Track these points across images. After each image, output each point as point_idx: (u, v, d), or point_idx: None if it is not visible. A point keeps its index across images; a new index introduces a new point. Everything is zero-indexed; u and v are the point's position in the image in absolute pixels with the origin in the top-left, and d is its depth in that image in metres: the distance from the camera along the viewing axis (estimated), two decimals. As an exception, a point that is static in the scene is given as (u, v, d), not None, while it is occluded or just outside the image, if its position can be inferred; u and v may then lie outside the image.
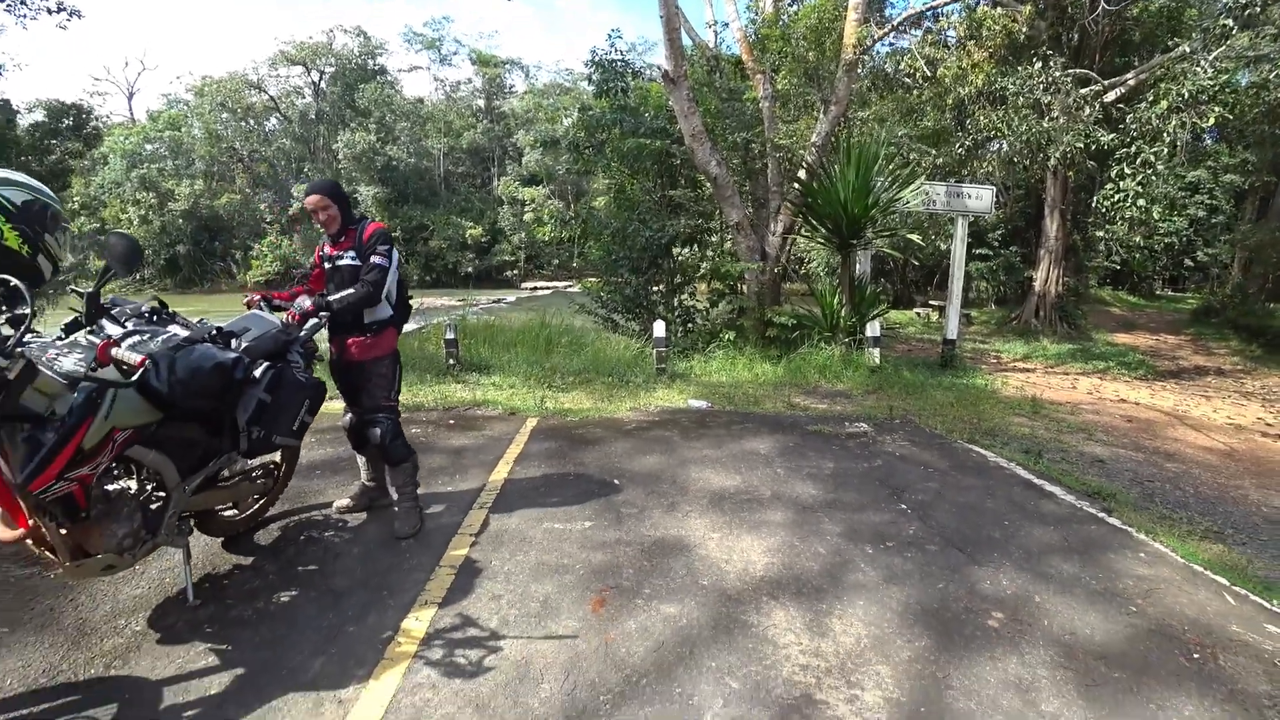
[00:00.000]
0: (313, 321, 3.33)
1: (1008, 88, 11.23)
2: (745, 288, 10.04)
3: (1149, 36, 15.28)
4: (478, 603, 2.85)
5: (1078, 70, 11.85)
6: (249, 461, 3.31)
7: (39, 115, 14.84)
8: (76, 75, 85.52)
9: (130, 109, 52.67)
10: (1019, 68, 11.45)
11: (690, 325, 10.80)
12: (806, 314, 10.13)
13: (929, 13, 12.72)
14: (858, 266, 9.95)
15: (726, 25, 14.39)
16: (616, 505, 3.96)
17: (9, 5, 12.85)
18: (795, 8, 12.16)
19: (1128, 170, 9.56)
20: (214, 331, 2.76)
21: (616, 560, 3.24)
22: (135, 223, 42.28)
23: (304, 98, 47.50)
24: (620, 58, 11.61)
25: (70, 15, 13.34)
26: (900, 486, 4.42)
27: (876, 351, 8.91)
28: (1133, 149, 9.51)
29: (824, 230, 9.24)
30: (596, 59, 11.65)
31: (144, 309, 2.73)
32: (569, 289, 32.34)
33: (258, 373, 2.79)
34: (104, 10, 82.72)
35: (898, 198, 8.68)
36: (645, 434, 5.57)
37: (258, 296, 3.43)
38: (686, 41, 10.47)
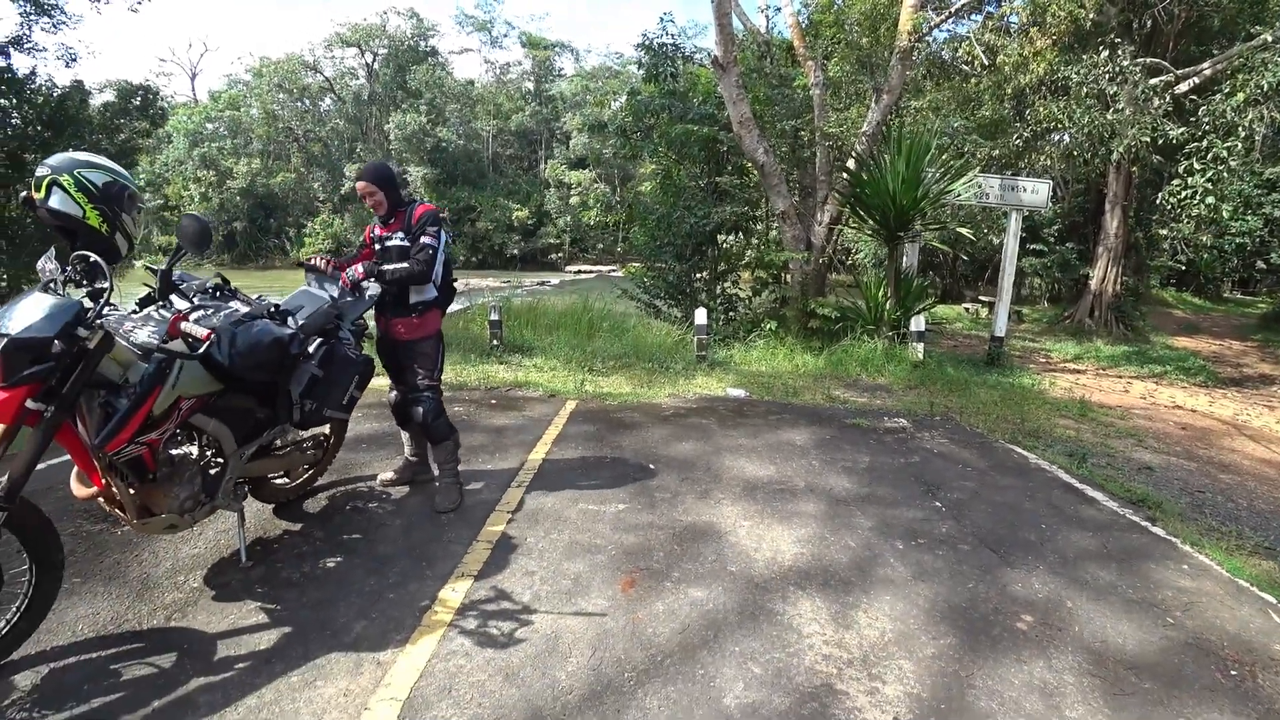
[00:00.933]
0: (371, 291, 3.45)
1: (1071, 77, 10.81)
2: (789, 277, 9.96)
3: (1229, 24, 14.34)
4: (512, 577, 2.95)
5: (1148, 59, 11.32)
6: (300, 433, 3.47)
7: (109, 96, 15.29)
8: (144, 57, 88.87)
9: (193, 89, 54.58)
10: (1084, 56, 11.02)
11: (732, 313, 10.77)
12: (850, 306, 10.01)
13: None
14: (905, 259, 9.78)
15: (779, 10, 14.19)
16: (650, 490, 4.03)
17: None
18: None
19: (1197, 166, 9.13)
20: (273, 308, 2.90)
21: (648, 543, 3.31)
22: (196, 200, 44.10)
23: (358, 79, 48.39)
24: (670, 42, 11.54)
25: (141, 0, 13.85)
26: (936, 484, 4.38)
27: (920, 346, 8.76)
28: (1204, 143, 9.07)
29: (871, 221, 9.10)
30: (646, 43, 11.60)
31: (209, 285, 2.88)
32: (613, 273, 32.44)
33: (311, 348, 2.92)
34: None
35: (949, 190, 8.48)
36: (682, 421, 5.63)
37: (325, 260, 3.56)
38: (738, 26, 10.37)
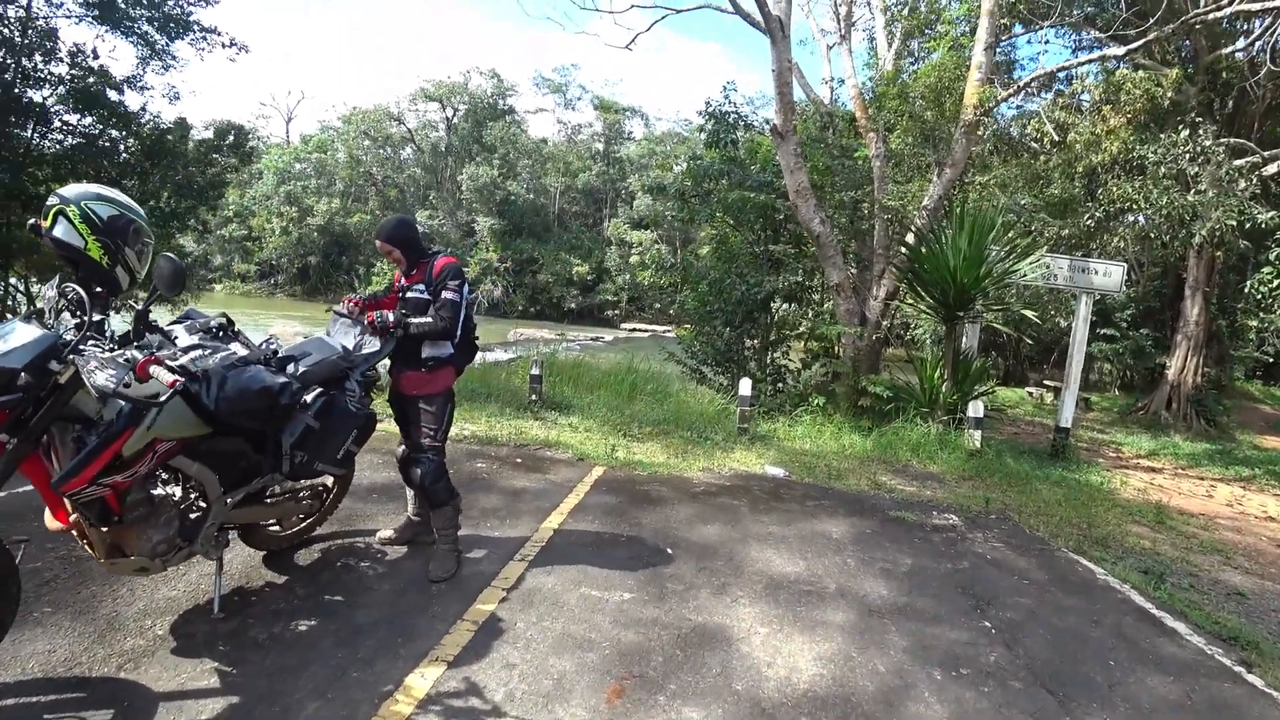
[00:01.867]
0: (374, 349, 3.33)
1: (1148, 156, 10.37)
2: (842, 351, 9.59)
3: None
4: (489, 669, 2.65)
5: (1232, 140, 10.86)
6: (297, 482, 3.31)
7: (208, 134, 16.31)
8: (248, 100, 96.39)
9: (287, 132, 58.44)
10: (1161, 135, 10.60)
11: (780, 385, 10.41)
12: (904, 385, 9.53)
13: (1061, 75, 11.99)
14: (964, 339, 9.31)
15: (842, 82, 14.19)
16: (663, 578, 3.68)
17: (193, 40, 14.48)
18: (916, 66, 11.81)
19: None
20: (272, 354, 2.78)
21: (648, 643, 2.96)
22: (276, 232, 46.70)
23: (437, 131, 50.82)
24: (733, 109, 11.62)
25: (239, 50, 14.91)
26: (986, 598, 3.90)
27: (978, 434, 8.20)
28: None
29: (929, 298, 8.71)
30: (710, 110, 11.71)
31: (212, 324, 2.78)
32: (667, 334, 32.42)
33: (309, 398, 2.77)
34: (279, 45, 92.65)
35: (1014, 270, 8.06)
36: (712, 500, 5.27)
37: (352, 303, 3.48)
38: (800, 96, 10.40)
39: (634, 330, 40.54)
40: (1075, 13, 13.29)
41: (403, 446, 3.67)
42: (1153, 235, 10.22)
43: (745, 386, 7.92)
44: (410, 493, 3.80)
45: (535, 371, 8.45)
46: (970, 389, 8.83)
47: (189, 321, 2.78)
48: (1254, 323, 16.04)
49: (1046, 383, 18.77)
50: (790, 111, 8.92)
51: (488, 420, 7.49)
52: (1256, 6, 8.82)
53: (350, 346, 3.31)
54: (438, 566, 3.44)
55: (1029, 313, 8.90)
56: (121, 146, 14.69)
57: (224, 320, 2.83)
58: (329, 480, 3.56)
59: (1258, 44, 12.70)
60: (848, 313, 9.22)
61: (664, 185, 13.73)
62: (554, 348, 26.34)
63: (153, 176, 14.96)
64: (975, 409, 8.23)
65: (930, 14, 12.93)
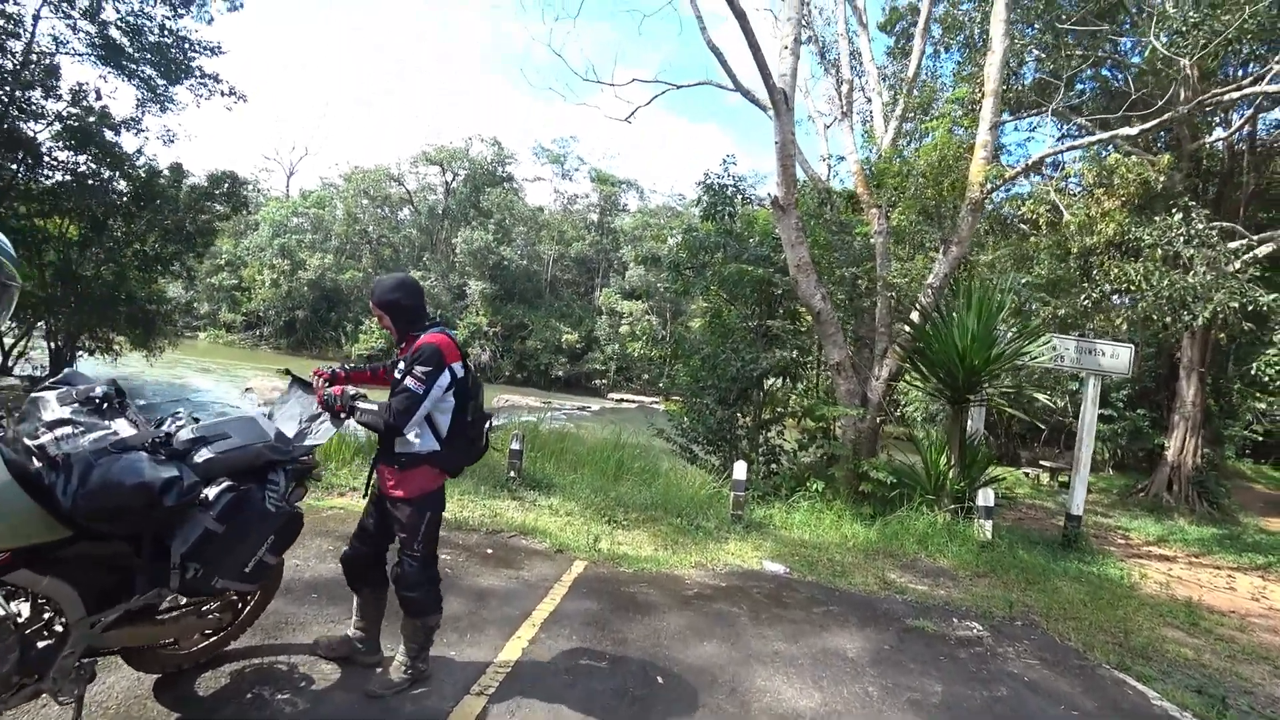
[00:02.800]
0: (327, 428, 2.79)
1: (1143, 238, 10.50)
2: (841, 433, 9.07)
3: None
4: None
5: (1223, 223, 11.14)
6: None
7: (201, 180, 16.21)
8: (253, 154, 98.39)
9: (287, 186, 59.28)
10: (1155, 218, 10.80)
11: (775, 466, 9.83)
12: (907, 469, 8.99)
13: (1049, 160, 12.15)
14: (969, 423, 8.85)
15: (842, 159, 14.22)
16: None
17: (192, 86, 14.53)
18: (913, 145, 11.80)
19: None
20: (166, 437, 2.20)
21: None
22: (266, 284, 46.45)
23: (435, 194, 51.44)
24: (731, 182, 11.46)
25: (237, 99, 14.96)
26: (1039, 747, 3.26)
27: (989, 525, 7.64)
28: None
29: (935, 380, 8.28)
30: (707, 182, 11.54)
31: (95, 393, 2.19)
32: (655, 405, 31.88)
33: (212, 493, 2.19)
34: (286, 103, 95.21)
35: (1024, 351, 7.67)
36: (707, 606, 4.62)
37: (322, 376, 3.00)
38: (799, 174, 10.22)
39: (621, 401, 39.95)
40: (1062, 104, 13.69)
41: (355, 540, 3.08)
42: (1154, 317, 10.08)
43: (740, 470, 7.34)
44: (356, 600, 3.16)
45: (515, 446, 7.84)
46: (978, 475, 8.31)
47: (66, 388, 2.19)
48: (1260, 405, 15.98)
49: (1043, 463, 18.37)
50: (792, 184, 8.69)
51: (460, 499, 6.84)
52: (1236, 95, 8.98)
53: (293, 431, 2.76)
54: (380, 682, 2.83)
55: (1040, 396, 8.50)
56: (111, 187, 14.50)
57: (112, 388, 2.24)
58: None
59: (1238, 134, 13.34)
60: (848, 393, 8.76)
61: (658, 256, 13.47)
62: (539, 417, 25.70)
63: (139, 219, 14.72)
64: (986, 497, 7.70)
65: (928, 97, 13.07)
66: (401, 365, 2.84)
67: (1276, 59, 8.94)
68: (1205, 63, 11.74)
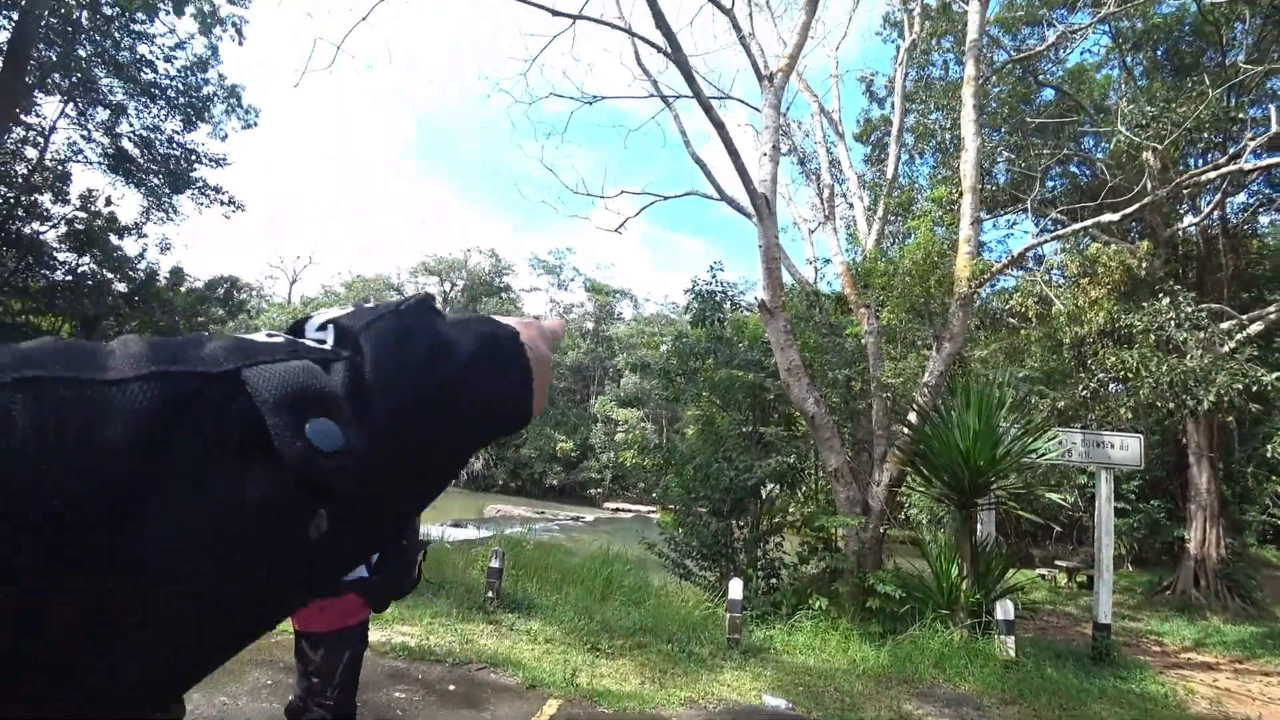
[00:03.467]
0: None
1: (1135, 325, 10.59)
2: (844, 544, 8.53)
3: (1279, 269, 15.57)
4: None
5: (1211, 305, 11.26)
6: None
7: (199, 284, 16.37)
8: (259, 263, 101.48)
9: (289, 294, 60.27)
10: (1144, 304, 10.93)
11: (774, 581, 9.21)
12: (916, 580, 8.38)
13: (1033, 253, 12.40)
14: (979, 526, 8.34)
15: (827, 261, 14.39)
16: None
17: (193, 195, 15.00)
18: (898, 246, 11.95)
19: None
20: None
21: None
22: None
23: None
24: (719, 288, 11.45)
25: (235, 208, 15.45)
26: None
27: (1010, 640, 7.00)
28: None
29: (939, 484, 7.85)
30: (696, 288, 11.54)
31: None
32: (650, 514, 30.92)
33: None
34: (290, 210, 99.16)
35: (1030, 448, 7.30)
36: (696, 753, 4.03)
37: None
38: (785, 278, 10.25)
39: (617, 510, 38.83)
40: (1036, 200, 14.26)
41: (299, 686, 2.63)
42: (1158, 404, 9.89)
43: (736, 589, 6.78)
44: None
45: (494, 564, 7.31)
46: (994, 584, 7.72)
47: None
48: (1278, 487, 15.54)
49: (1059, 562, 17.48)
50: (779, 287, 8.61)
51: (428, 623, 6.27)
52: (1213, 175, 9.19)
53: None
54: None
55: (1055, 495, 8.07)
56: (108, 288, 14.61)
57: None
58: None
59: (1209, 219, 13.94)
60: (848, 500, 8.29)
61: (649, 363, 13.31)
62: (530, 528, 24.76)
63: (132, 319, 14.74)
64: (1005, 610, 7.10)
65: (907, 198, 13.41)
66: None
67: (1248, 136, 9.21)
68: (1168, 153, 12.35)
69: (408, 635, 5.89)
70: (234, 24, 15.80)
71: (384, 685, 4.46)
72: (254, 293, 60.26)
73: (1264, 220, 16.04)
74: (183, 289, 16.29)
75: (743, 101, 13.49)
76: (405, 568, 2.59)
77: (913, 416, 8.10)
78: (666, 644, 6.36)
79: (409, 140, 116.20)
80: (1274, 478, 15.71)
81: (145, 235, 15.52)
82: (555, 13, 7.90)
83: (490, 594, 7.17)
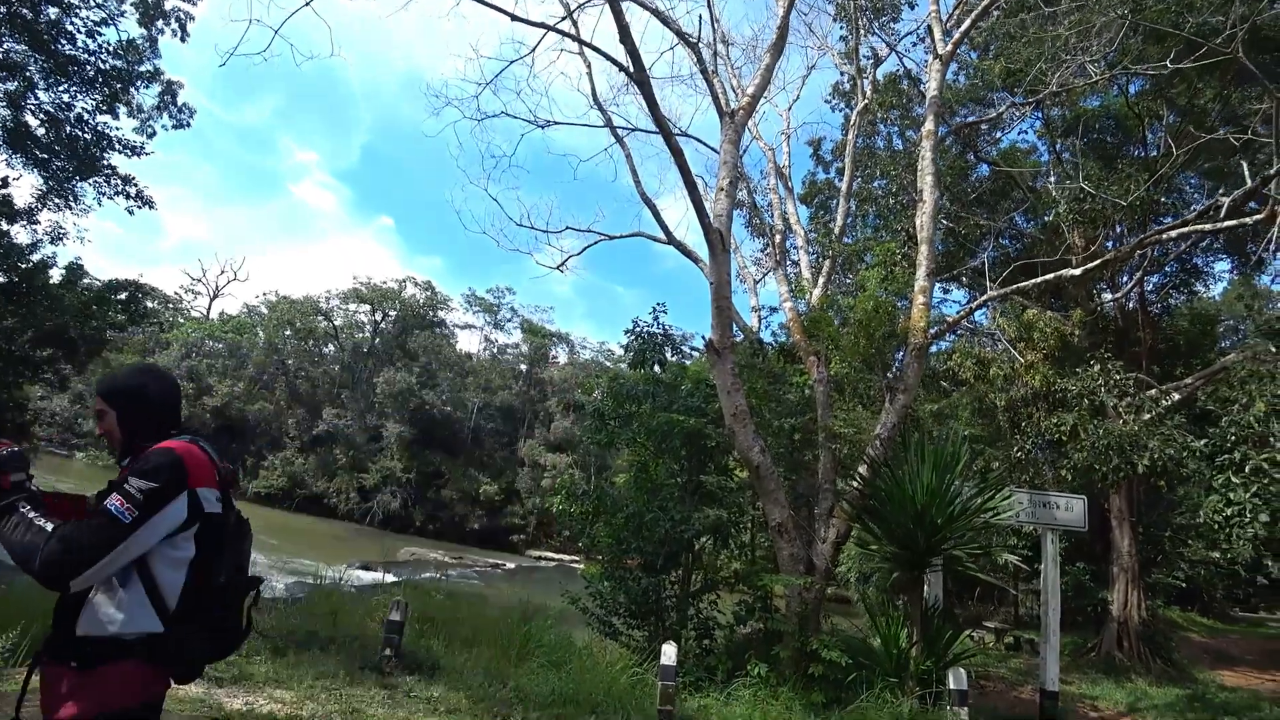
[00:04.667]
0: None
1: (1069, 389, 10.94)
2: (785, 605, 7.93)
3: (1194, 344, 17.13)
4: None
5: (1136, 374, 11.70)
6: None
7: (95, 284, 14.81)
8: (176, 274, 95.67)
9: (209, 309, 56.90)
10: (1077, 370, 11.32)
11: (708, 643, 8.49)
12: (862, 645, 7.83)
13: (966, 320, 12.66)
14: (926, 588, 7.90)
15: (774, 310, 14.19)
16: None
17: (95, 182, 13.65)
18: (845, 299, 11.90)
19: (1235, 479, 8.56)
20: None
21: None
22: None
23: (362, 332, 50.10)
24: (660, 329, 10.95)
25: (144, 204, 14.17)
26: None
27: (964, 712, 6.48)
28: (1236, 455, 8.68)
29: (890, 543, 7.40)
30: (636, 329, 10.99)
31: None
32: (574, 564, 29.72)
33: None
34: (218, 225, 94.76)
35: (988, 506, 6.95)
36: None
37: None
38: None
39: (540, 559, 37.33)
40: (969, 270, 14.68)
41: None
42: (1096, 465, 10.01)
43: (668, 654, 6.03)
44: None
45: (395, 617, 6.35)
46: (945, 653, 7.23)
47: None
48: (1184, 550, 16.22)
49: (985, 623, 17.35)
50: (728, 327, 8.16)
51: (307, 687, 5.29)
52: (1173, 234, 9.53)
53: None
54: None
55: (1012, 557, 7.77)
56: None
57: None
58: None
59: (1128, 297, 14.78)
60: (791, 558, 7.72)
61: (583, 404, 12.61)
62: (445, 574, 23.22)
63: (10, 316, 13.08)
64: (958, 679, 6.58)
65: (853, 251, 13.44)
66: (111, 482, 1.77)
67: (1193, 208, 9.58)
68: (1089, 230, 13.23)
69: (278, 703, 4.90)
70: (178, 18, 14.86)
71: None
72: (169, 305, 56.68)
73: (1176, 299, 17.13)
74: (77, 287, 14.74)
75: (700, 140, 13.34)
76: (222, 618, 1.88)
77: (863, 469, 7.68)
78: (590, 717, 5.55)
79: (351, 163, 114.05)
80: (1189, 542, 16.25)
81: (38, 222, 14.03)
82: (515, 18, 7.41)
83: (388, 651, 6.21)
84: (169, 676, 1.83)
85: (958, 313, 9.44)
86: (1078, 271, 8.31)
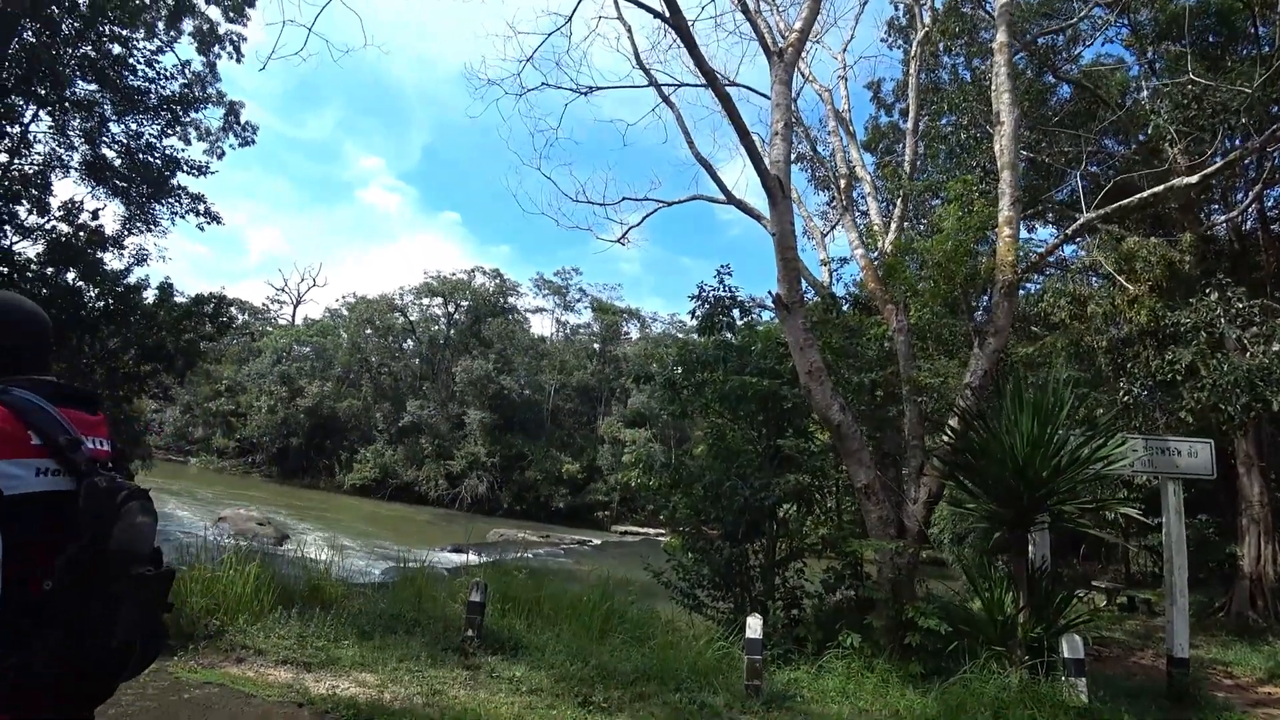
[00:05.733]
0: None
1: (1182, 322, 9.99)
2: (877, 571, 7.49)
3: None
4: None
5: (1262, 300, 10.46)
6: None
7: (184, 300, 15.73)
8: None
9: (293, 316, 60.03)
10: (1190, 301, 10.32)
11: (796, 613, 8.15)
12: (963, 613, 7.31)
13: (1055, 259, 11.65)
14: (1031, 548, 7.28)
15: (845, 261, 13.49)
16: None
17: (168, 203, 14.38)
18: (922, 241, 11.09)
19: None
20: None
21: None
22: (263, 410, 45.87)
23: (437, 324, 51.58)
24: (728, 292, 10.52)
25: (211, 220, 14.83)
26: None
27: (1082, 683, 5.92)
28: None
29: (989, 500, 6.83)
30: (703, 293, 10.59)
31: None
32: (661, 537, 29.81)
33: None
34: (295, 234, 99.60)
35: (1099, 455, 6.26)
36: None
37: None
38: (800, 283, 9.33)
39: (626, 534, 37.66)
40: (1056, 201, 13.49)
41: None
42: (1221, 406, 8.98)
43: (754, 627, 5.74)
44: None
45: (475, 598, 6.31)
46: (1056, 617, 6.64)
47: None
48: None
49: (1095, 583, 16.22)
50: (796, 280, 7.68)
51: (391, 670, 5.28)
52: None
53: None
54: None
55: (1130, 510, 7.06)
56: (79, 301, 13.85)
57: None
58: None
59: (1247, 212, 13.11)
60: (880, 521, 7.26)
61: (653, 374, 12.36)
62: (530, 554, 23.65)
63: (108, 335, 14.04)
64: (1073, 646, 6.02)
65: (926, 187, 12.57)
66: None
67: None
68: (1193, 148, 11.66)
69: (362, 686, 4.91)
70: (232, 41, 15.41)
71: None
72: (259, 316, 60.05)
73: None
74: (169, 305, 15.60)
75: (750, 88, 12.69)
76: (94, 623, 1.39)
77: (954, 422, 7.10)
78: (674, 693, 5.34)
79: (414, 164, 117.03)
80: None
81: (125, 248, 14.91)
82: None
83: (470, 632, 6.18)
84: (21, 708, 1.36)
85: (1049, 243, 8.52)
86: (1194, 179, 7.33)
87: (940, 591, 9.29)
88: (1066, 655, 5.98)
